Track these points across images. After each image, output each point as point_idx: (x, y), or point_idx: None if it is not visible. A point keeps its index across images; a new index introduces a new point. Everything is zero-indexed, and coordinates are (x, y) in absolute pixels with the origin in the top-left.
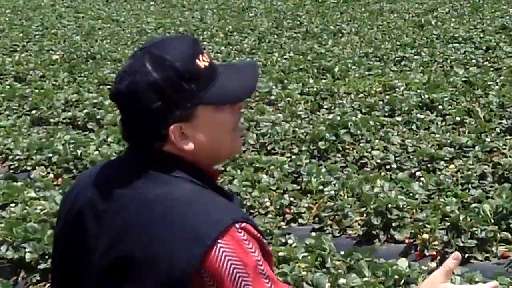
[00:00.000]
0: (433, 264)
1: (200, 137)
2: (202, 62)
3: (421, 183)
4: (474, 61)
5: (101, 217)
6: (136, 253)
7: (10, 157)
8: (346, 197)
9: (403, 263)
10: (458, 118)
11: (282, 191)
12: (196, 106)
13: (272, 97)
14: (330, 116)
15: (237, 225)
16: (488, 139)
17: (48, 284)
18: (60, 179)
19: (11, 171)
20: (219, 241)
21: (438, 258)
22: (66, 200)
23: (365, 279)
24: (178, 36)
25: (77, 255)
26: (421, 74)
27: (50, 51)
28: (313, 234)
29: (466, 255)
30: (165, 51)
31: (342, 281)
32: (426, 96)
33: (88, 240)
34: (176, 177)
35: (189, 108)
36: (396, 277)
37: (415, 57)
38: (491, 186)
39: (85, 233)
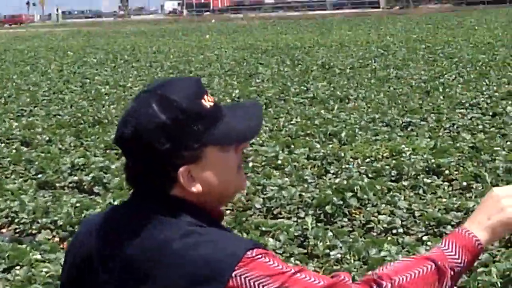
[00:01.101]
0: None
1: (207, 179)
2: (208, 102)
3: (427, 247)
4: (480, 127)
5: (108, 266)
6: None
7: (16, 220)
8: (352, 260)
9: None
10: (464, 183)
11: (288, 254)
12: (204, 146)
13: (279, 162)
14: (337, 180)
15: (249, 253)
16: None
17: None
18: (65, 243)
19: (17, 234)
20: (236, 272)
21: None
22: (73, 246)
23: None
24: (181, 77)
25: None
26: (428, 140)
27: (57, 116)
28: None
29: None
30: (171, 92)
31: None
32: (433, 161)
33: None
34: (182, 221)
35: (197, 149)
36: None
37: (422, 122)
38: (498, 251)
39: (91, 281)
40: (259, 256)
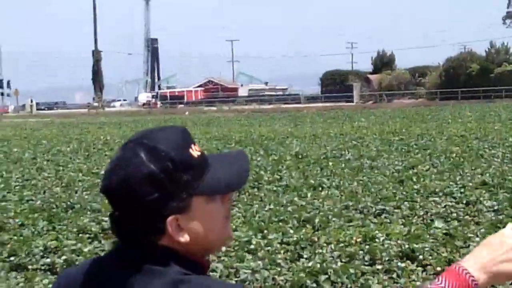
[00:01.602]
0: None
1: (195, 229)
2: (195, 151)
3: None
4: (454, 214)
5: None
6: None
7: None
8: None
9: None
10: (439, 268)
11: None
12: (191, 196)
13: (252, 246)
14: (310, 264)
15: None
16: None
17: None
18: None
19: None
20: None
21: None
22: None
23: None
24: (168, 127)
25: None
26: (402, 226)
27: (30, 201)
28: None
29: None
30: (159, 142)
31: None
32: (407, 246)
33: None
34: (172, 270)
35: (185, 199)
36: None
37: (396, 210)
38: None
39: None
40: None
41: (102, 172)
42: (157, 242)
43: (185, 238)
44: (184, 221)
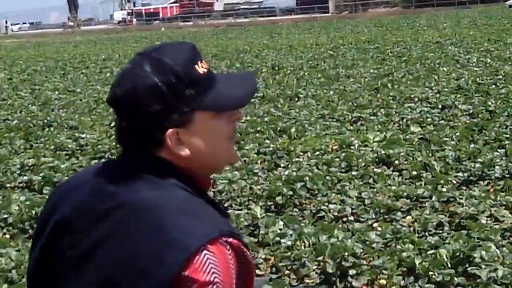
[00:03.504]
0: None
1: (196, 144)
2: (201, 68)
3: (377, 232)
4: (430, 119)
5: (88, 215)
6: (115, 259)
7: None
8: (303, 247)
9: None
10: (414, 172)
11: None
12: (194, 111)
13: None
14: (287, 172)
15: (224, 239)
16: (444, 189)
17: None
18: (17, 240)
19: None
20: (205, 251)
21: None
22: (56, 197)
23: None
24: (177, 42)
25: (56, 253)
26: (378, 133)
27: (6, 120)
28: (271, 283)
29: None
30: (165, 55)
31: None
32: (383, 152)
33: (73, 236)
34: (169, 183)
35: (187, 113)
36: None
37: (371, 117)
38: (448, 233)
39: (73, 231)
40: (229, 253)
41: (78, 90)
42: (157, 155)
43: (185, 152)
44: (185, 135)
